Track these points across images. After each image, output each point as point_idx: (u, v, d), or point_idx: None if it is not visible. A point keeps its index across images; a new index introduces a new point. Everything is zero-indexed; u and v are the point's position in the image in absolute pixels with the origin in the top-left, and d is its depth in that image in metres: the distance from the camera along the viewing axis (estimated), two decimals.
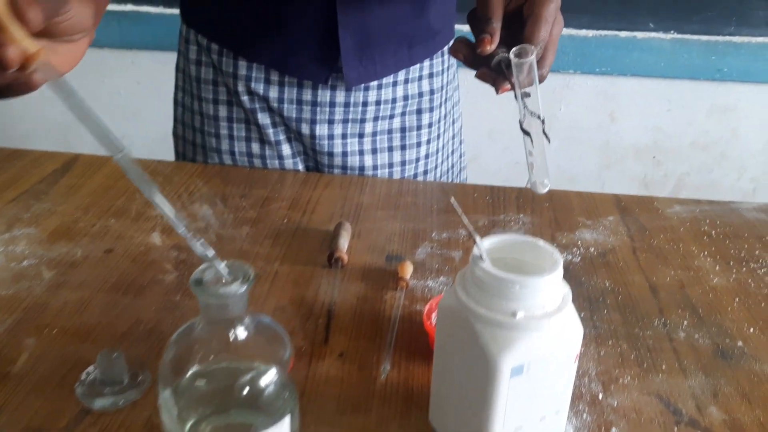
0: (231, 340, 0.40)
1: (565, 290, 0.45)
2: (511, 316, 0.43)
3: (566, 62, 1.75)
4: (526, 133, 0.53)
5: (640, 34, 1.72)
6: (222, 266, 0.40)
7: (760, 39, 1.72)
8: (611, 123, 1.86)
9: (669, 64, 1.75)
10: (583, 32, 1.72)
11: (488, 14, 0.58)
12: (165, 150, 1.08)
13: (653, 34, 1.72)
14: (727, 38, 1.72)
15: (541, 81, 0.59)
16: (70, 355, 0.59)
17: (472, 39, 0.59)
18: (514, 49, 0.54)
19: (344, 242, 0.75)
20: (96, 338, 0.61)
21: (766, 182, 1.92)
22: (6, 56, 0.40)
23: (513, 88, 0.56)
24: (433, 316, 0.61)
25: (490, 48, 0.57)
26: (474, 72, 0.60)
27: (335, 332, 0.63)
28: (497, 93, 0.57)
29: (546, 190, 0.55)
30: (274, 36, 0.85)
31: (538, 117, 0.53)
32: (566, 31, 1.72)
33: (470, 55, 0.59)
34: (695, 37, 1.72)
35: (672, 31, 1.72)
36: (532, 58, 0.53)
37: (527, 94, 0.56)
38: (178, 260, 0.73)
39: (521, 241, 0.47)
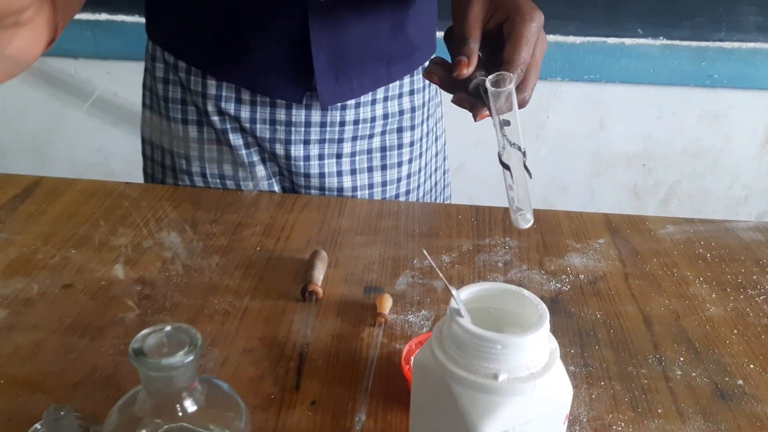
0: (179, 414, 0.36)
1: (552, 346, 0.41)
2: (492, 379, 0.38)
3: (554, 69, 1.71)
4: (505, 166, 0.49)
5: (628, 41, 1.69)
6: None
7: (751, 44, 1.68)
8: (600, 131, 1.83)
9: (658, 71, 1.72)
10: (571, 39, 1.68)
11: (465, 34, 0.53)
12: None
13: (642, 41, 1.69)
14: (717, 44, 1.69)
15: (523, 106, 0.55)
16: (19, 409, 0.54)
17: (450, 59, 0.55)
18: (490, 76, 0.50)
19: (319, 273, 0.71)
20: (48, 388, 0.56)
21: (759, 189, 1.89)
22: None
23: (491, 116, 0.52)
24: (412, 359, 0.56)
25: (466, 71, 0.52)
26: (451, 96, 0.56)
27: (307, 377, 0.58)
28: (475, 120, 0.53)
29: (529, 225, 0.51)
30: (243, 54, 0.80)
31: (519, 148, 0.49)
32: (553, 38, 1.68)
33: (446, 78, 0.55)
34: (685, 43, 1.68)
35: (661, 37, 1.69)
36: (511, 87, 0.49)
37: (507, 123, 0.51)
38: (141, 295, 0.68)
39: (504, 290, 0.43)
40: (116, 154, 1.93)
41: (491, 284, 0.43)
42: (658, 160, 1.87)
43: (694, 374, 0.61)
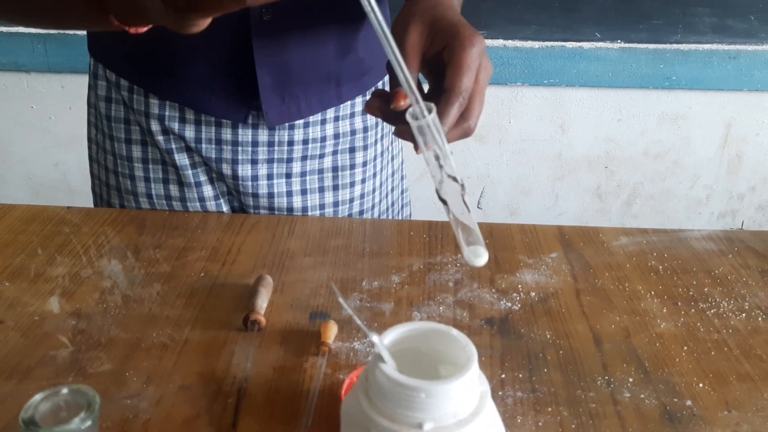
0: None
1: (483, 388, 0.39)
2: (417, 429, 0.37)
3: (513, 75, 1.71)
4: (443, 201, 0.47)
5: (586, 44, 1.69)
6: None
7: (707, 46, 1.70)
8: (562, 134, 1.83)
9: (617, 74, 1.72)
10: (530, 44, 1.68)
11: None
12: None
13: (600, 44, 1.69)
14: (675, 46, 1.69)
15: (468, 135, 0.53)
16: None
17: None
18: (410, 109, 0.48)
19: (263, 301, 0.68)
20: None
21: (720, 189, 1.90)
22: None
23: (420, 148, 0.50)
24: (341, 405, 0.55)
25: (404, 103, 0.51)
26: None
27: (246, 415, 0.56)
28: (416, 152, 0.51)
29: (483, 261, 0.49)
30: (184, 74, 0.78)
31: (455, 179, 0.47)
32: (512, 43, 1.68)
33: (388, 111, 0.53)
34: (642, 45, 1.69)
35: (618, 41, 1.69)
36: (430, 117, 0.47)
37: (438, 156, 0.50)
38: (76, 330, 0.66)
39: (430, 330, 0.41)
40: (75, 169, 1.88)
41: (418, 324, 0.41)
42: (620, 162, 1.87)
43: (642, 396, 0.60)
